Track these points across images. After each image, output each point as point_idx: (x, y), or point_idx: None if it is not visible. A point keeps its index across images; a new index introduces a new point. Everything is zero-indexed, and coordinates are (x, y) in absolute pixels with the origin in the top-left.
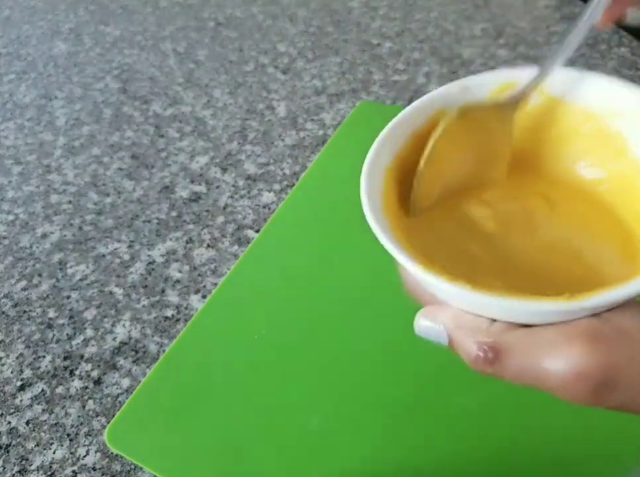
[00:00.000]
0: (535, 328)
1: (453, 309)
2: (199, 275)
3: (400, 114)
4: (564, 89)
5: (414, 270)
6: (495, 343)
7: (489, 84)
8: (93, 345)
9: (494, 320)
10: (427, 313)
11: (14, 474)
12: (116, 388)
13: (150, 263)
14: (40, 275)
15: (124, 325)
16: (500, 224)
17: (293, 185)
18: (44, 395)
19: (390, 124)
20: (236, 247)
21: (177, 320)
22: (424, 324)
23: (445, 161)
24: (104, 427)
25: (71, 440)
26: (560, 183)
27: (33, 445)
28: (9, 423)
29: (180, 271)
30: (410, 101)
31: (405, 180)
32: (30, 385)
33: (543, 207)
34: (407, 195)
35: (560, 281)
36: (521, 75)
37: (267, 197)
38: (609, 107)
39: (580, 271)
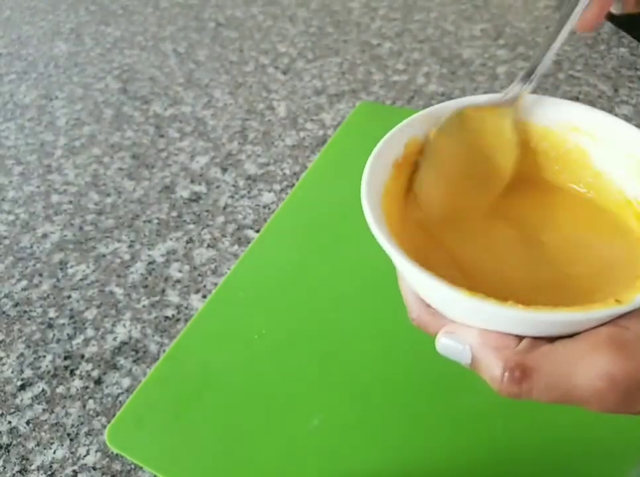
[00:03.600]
0: (559, 342)
1: (477, 329)
2: (199, 275)
3: (379, 145)
4: (524, 112)
5: (441, 288)
6: (523, 361)
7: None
8: (93, 345)
9: (520, 338)
10: (450, 330)
11: (14, 474)
12: (117, 388)
13: (150, 263)
14: (40, 275)
15: (124, 325)
16: (509, 234)
17: (293, 185)
18: (44, 394)
19: (372, 156)
20: (236, 247)
21: (177, 320)
22: (446, 342)
23: (445, 158)
24: (104, 427)
25: (71, 439)
26: (556, 194)
27: (33, 445)
28: (9, 422)
29: (180, 271)
30: (410, 102)
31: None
32: (31, 384)
33: (546, 217)
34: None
35: (568, 290)
36: (479, 100)
37: (267, 197)
38: (564, 123)
39: (593, 278)
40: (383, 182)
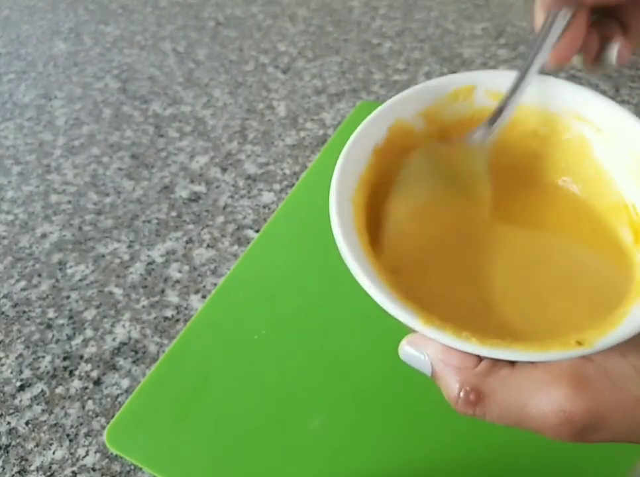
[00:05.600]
0: (519, 367)
1: (439, 343)
2: (199, 275)
3: (359, 129)
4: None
5: (406, 320)
6: (478, 385)
7: (445, 87)
8: (92, 345)
9: (480, 358)
10: (413, 341)
11: (13, 475)
12: (116, 388)
13: (149, 263)
14: (39, 275)
15: (123, 325)
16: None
17: (293, 185)
18: (43, 395)
19: (350, 141)
20: (236, 247)
21: (177, 320)
22: (409, 351)
23: (416, 198)
24: (103, 428)
25: (70, 440)
26: (547, 199)
27: (33, 446)
28: (9, 423)
29: (180, 272)
30: None
31: (375, 206)
32: (30, 385)
33: (534, 241)
34: (379, 222)
35: (542, 321)
36: (478, 78)
37: (267, 197)
38: (569, 110)
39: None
40: (360, 172)
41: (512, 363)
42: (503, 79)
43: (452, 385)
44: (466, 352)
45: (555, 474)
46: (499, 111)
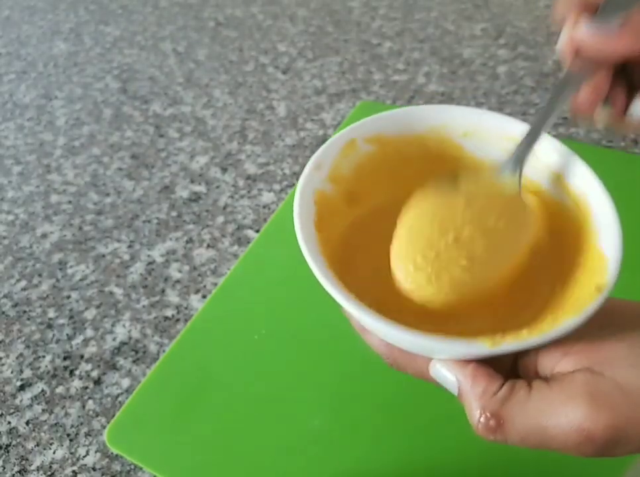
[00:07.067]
0: (535, 389)
1: (470, 367)
2: (199, 275)
3: (296, 215)
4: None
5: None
6: (498, 411)
7: (336, 146)
8: (93, 345)
9: (503, 382)
10: (446, 363)
11: (14, 474)
12: (116, 388)
13: (149, 263)
14: (40, 275)
15: (124, 325)
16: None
17: (293, 185)
18: (43, 395)
19: (296, 228)
20: (236, 247)
21: (177, 320)
22: (440, 370)
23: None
24: (104, 427)
25: (71, 440)
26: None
27: (33, 445)
28: (9, 423)
29: (180, 271)
30: (410, 101)
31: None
32: (30, 385)
33: (481, 232)
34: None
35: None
36: (354, 130)
37: (267, 197)
38: (437, 127)
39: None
40: (318, 251)
41: (529, 384)
42: (375, 124)
43: (474, 409)
44: (492, 378)
45: (554, 473)
46: (523, 156)
